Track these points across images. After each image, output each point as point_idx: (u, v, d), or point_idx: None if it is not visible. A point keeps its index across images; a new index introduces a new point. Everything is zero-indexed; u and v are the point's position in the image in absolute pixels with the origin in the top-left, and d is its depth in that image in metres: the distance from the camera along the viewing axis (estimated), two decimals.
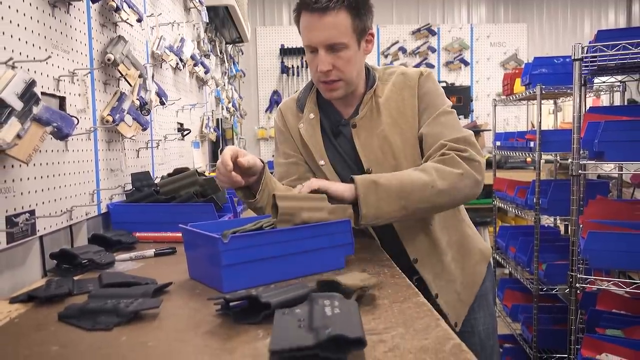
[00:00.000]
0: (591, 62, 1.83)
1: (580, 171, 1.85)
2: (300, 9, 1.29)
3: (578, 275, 1.84)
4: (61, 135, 1.15)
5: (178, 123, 2.72)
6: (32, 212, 1.17)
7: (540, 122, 2.71)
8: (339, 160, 1.42)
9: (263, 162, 1.28)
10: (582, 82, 1.84)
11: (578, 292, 1.93)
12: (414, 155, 1.36)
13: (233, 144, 4.53)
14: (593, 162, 1.86)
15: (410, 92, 1.36)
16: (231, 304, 0.85)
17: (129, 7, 1.73)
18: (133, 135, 1.78)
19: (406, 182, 1.18)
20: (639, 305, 2.08)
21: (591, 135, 1.85)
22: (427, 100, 1.35)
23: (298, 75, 6.59)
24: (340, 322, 0.69)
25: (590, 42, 1.87)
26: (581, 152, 1.90)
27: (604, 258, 1.81)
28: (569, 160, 1.88)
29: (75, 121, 1.24)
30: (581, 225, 1.94)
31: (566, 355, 2.07)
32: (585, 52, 1.81)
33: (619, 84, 2.67)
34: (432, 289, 1.38)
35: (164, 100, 2.20)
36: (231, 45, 4.95)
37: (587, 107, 2.29)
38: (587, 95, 3.12)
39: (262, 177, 1.27)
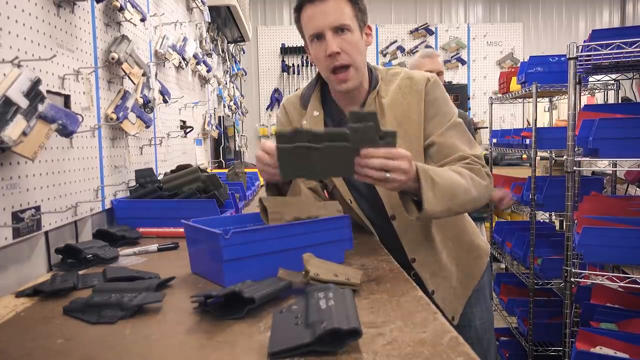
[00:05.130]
0: (586, 61, 1.85)
1: (575, 168, 1.87)
2: (301, 5, 1.31)
3: (573, 270, 1.86)
4: (66, 132, 1.16)
5: (181, 121, 2.73)
6: (37, 208, 1.18)
7: (535, 120, 2.74)
8: None
9: None
10: (577, 80, 1.86)
11: (573, 286, 1.95)
12: (418, 159, 1.34)
13: (235, 142, 4.53)
14: (588, 159, 1.88)
15: (417, 96, 1.35)
16: (208, 301, 0.85)
17: (133, 7, 1.75)
18: (136, 133, 1.79)
19: (455, 185, 1.17)
20: (632, 299, 2.10)
21: (586, 133, 1.86)
22: (436, 107, 1.35)
23: (298, 73, 6.60)
24: (335, 314, 0.70)
25: (584, 42, 1.89)
26: (576, 149, 1.92)
27: (598, 253, 1.83)
28: (564, 157, 1.90)
29: (80, 119, 1.25)
30: (576, 221, 1.96)
31: (561, 348, 2.09)
32: (579, 51, 1.82)
33: (613, 82, 2.69)
34: (429, 286, 1.39)
35: (167, 98, 2.21)
36: (233, 44, 4.96)
37: (582, 105, 2.32)
38: (582, 94, 3.15)
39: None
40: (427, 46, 6.76)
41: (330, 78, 1.35)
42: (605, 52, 1.79)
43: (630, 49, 1.75)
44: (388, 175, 1.03)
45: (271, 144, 1.16)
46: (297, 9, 1.33)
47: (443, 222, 1.42)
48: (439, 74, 2.74)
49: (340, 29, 1.29)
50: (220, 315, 0.83)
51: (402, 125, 1.35)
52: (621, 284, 1.84)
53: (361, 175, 1.05)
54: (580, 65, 1.91)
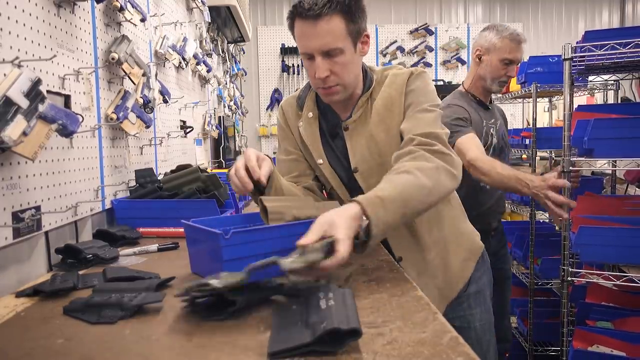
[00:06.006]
0: (579, 61, 1.84)
1: (571, 168, 1.86)
2: (293, 16, 1.27)
3: (570, 269, 1.86)
4: (66, 132, 1.16)
5: (181, 121, 2.74)
6: (37, 208, 1.18)
7: (535, 120, 2.74)
8: (335, 160, 1.42)
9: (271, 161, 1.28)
10: (572, 81, 1.85)
11: (569, 285, 1.95)
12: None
13: (235, 142, 4.52)
14: (583, 159, 1.88)
15: (399, 90, 1.34)
16: (197, 300, 0.85)
17: (133, 7, 1.76)
18: (137, 133, 1.79)
19: (404, 189, 1.11)
20: (627, 298, 2.10)
21: (580, 133, 1.87)
22: (412, 97, 1.33)
23: (298, 74, 6.61)
24: (335, 314, 0.71)
25: (577, 42, 1.87)
26: (572, 149, 1.92)
27: (593, 252, 1.84)
28: (561, 157, 1.90)
29: (80, 119, 1.25)
30: (571, 221, 1.96)
31: (559, 348, 2.10)
32: (574, 52, 1.81)
33: (612, 82, 2.69)
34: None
35: (167, 99, 2.21)
36: (233, 44, 4.96)
37: (576, 106, 2.32)
38: (582, 94, 3.16)
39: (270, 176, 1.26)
40: (427, 47, 6.75)
41: (318, 92, 1.36)
42: (599, 52, 1.78)
43: (623, 50, 1.74)
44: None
45: (243, 173, 1.17)
46: (289, 18, 1.29)
47: (430, 223, 1.40)
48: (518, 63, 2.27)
49: (330, 53, 1.26)
50: (205, 316, 0.83)
51: (385, 120, 1.34)
52: (617, 282, 1.84)
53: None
54: (573, 66, 1.91)
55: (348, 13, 1.24)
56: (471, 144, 1.98)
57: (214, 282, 0.81)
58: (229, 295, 0.82)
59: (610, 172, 2.68)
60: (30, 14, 1.19)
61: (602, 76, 2.52)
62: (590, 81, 2.76)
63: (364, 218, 1.02)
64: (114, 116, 1.60)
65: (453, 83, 6.10)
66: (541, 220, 3.19)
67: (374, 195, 1.06)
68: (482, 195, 2.16)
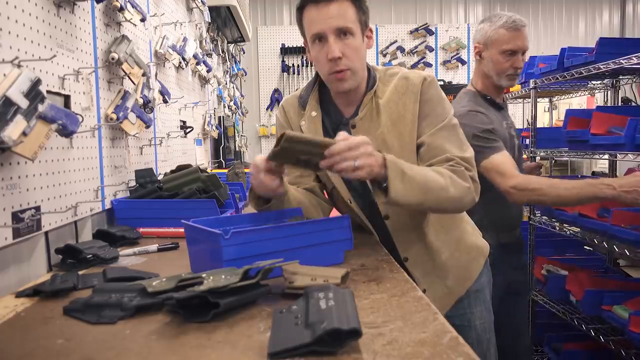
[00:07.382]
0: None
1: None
2: (303, 5, 1.31)
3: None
4: (66, 132, 1.16)
5: (181, 121, 2.74)
6: (37, 208, 1.18)
7: (535, 120, 2.74)
8: None
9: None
10: None
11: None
12: (412, 160, 1.34)
13: (235, 142, 4.52)
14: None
15: (413, 97, 1.35)
16: (176, 296, 0.83)
17: (133, 7, 1.76)
18: (136, 133, 1.79)
19: (429, 179, 1.20)
20: (608, 282, 2.16)
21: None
22: (430, 107, 1.35)
23: (298, 74, 6.62)
24: (335, 314, 0.70)
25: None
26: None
27: None
28: (625, 155, 1.82)
29: (80, 119, 1.25)
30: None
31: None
32: None
33: (613, 83, 2.70)
34: (420, 285, 1.38)
35: (167, 99, 2.21)
36: (233, 44, 4.98)
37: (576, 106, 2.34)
38: (582, 94, 3.16)
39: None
40: (427, 47, 6.75)
41: (329, 78, 1.36)
42: None
43: None
44: (357, 163, 1.08)
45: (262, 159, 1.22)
46: (300, 8, 1.33)
47: (443, 226, 1.42)
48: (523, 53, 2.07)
49: (343, 33, 1.29)
50: (188, 318, 0.83)
51: (397, 126, 1.35)
52: None
53: (335, 172, 1.11)
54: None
55: (357, 1, 1.31)
56: (509, 164, 1.81)
57: (197, 287, 0.82)
58: (212, 297, 0.82)
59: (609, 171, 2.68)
60: (30, 14, 1.19)
61: (594, 82, 2.52)
62: (590, 83, 2.77)
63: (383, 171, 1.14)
64: (114, 116, 1.59)
65: (453, 83, 6.10)
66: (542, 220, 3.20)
67: (399, 166, 1.15)
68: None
